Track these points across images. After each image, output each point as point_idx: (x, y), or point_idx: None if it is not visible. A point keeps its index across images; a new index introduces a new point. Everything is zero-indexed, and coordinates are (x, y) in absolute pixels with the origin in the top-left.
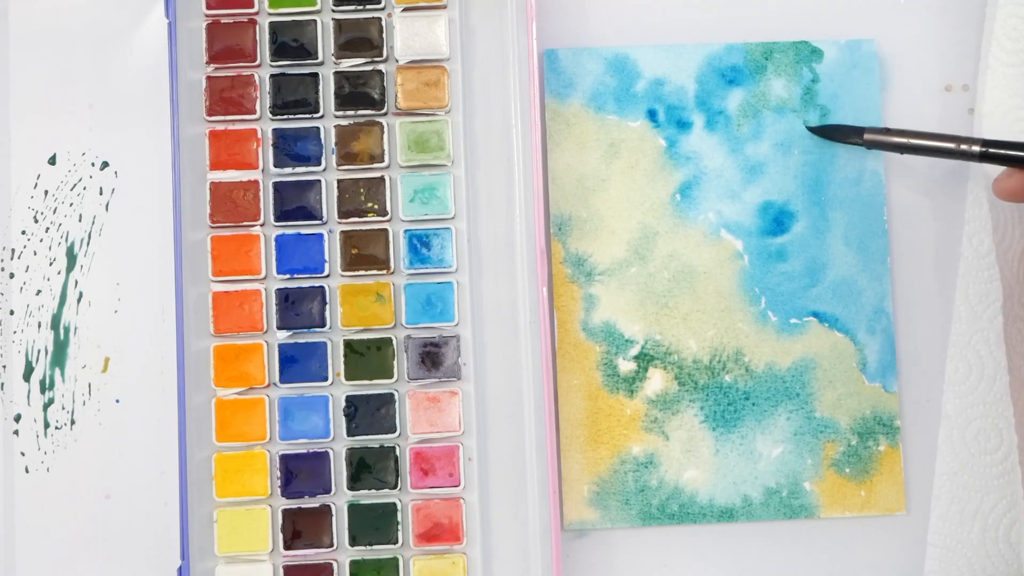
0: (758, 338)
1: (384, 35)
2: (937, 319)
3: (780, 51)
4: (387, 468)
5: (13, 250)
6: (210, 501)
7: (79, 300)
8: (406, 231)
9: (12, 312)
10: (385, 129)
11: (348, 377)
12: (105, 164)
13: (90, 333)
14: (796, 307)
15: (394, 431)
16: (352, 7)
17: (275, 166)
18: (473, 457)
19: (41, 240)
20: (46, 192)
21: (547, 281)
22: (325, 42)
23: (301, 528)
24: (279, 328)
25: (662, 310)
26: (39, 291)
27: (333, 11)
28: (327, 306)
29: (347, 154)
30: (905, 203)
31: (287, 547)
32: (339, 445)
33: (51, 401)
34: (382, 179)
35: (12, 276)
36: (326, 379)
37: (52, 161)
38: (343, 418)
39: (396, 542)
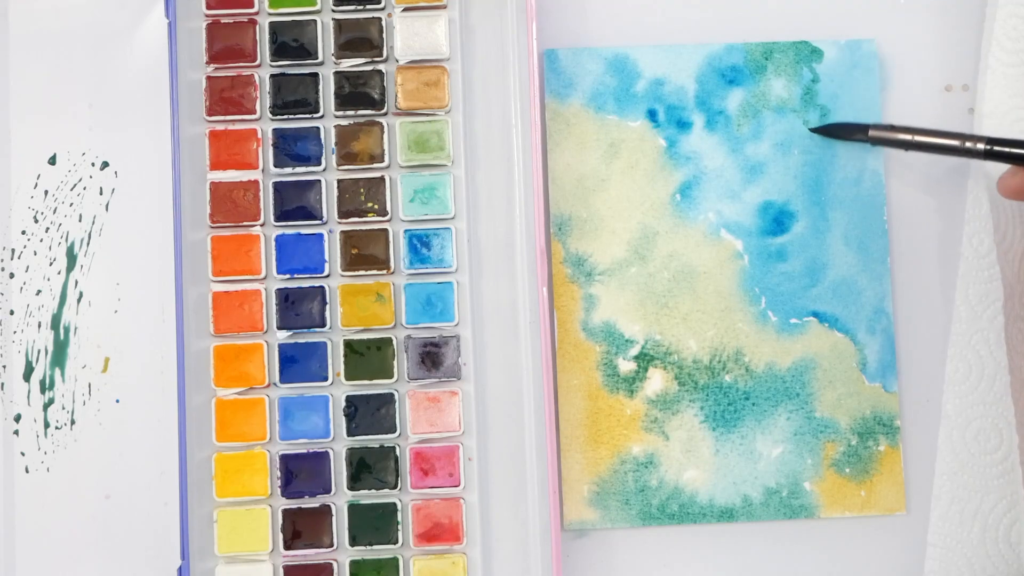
0: (758, 338)
1: (384, 35)
2: (937, 319)
3: (780, 51)
4: (387, 468)
5: (13, 250)
6: (210, 501)
7: (79, 300)
8: (406, 231)
9: (12, 312)
10: (385, 129)
11: (348, 377)
12: (105, 164)
13: (90, 333)
14: (796, 307)
15: (394, 431)
16: (352, 7)
17: (275, 166)
18: (473, 457)
19: (41, 240)
20: (46, 192)
21: (547, 281)
22: (325, 42)
23: (301, 528)
24: (279, 328)
25: (662, 310)
26: (39, 291)
27: (333, 11)
28: (327, 306)
29: (347, 154)
30: (905, 203)
31: (287, 547)
32: (339, 445)
33: (51, 401)
34: (382, 179)
35: (12, 276)
36: (326, 379)
37: (52, 161)
38: (343, 418)
39: (396, 542)
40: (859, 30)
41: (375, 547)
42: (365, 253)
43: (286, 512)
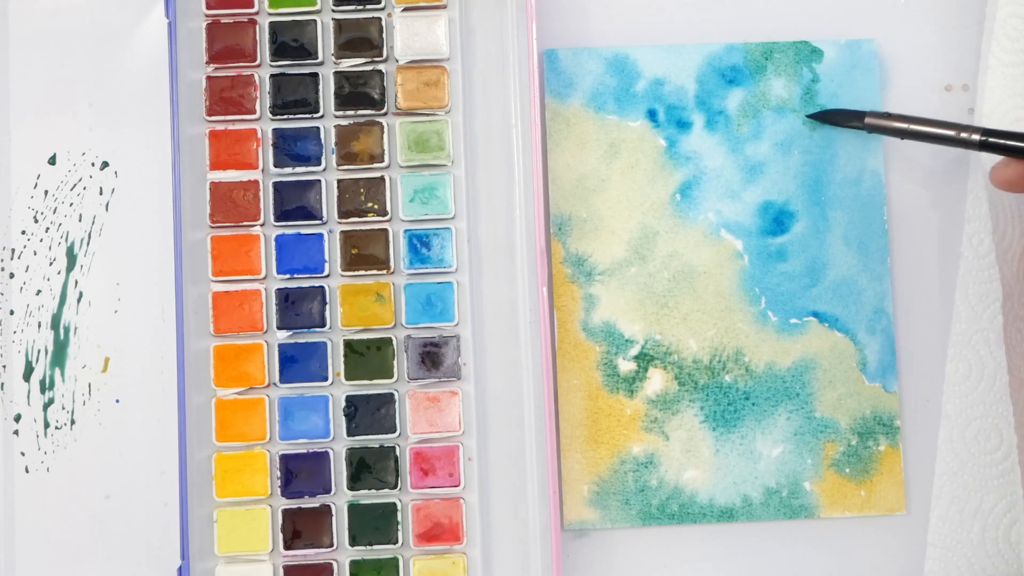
0: (758, 338)
1: (384, 35)
2: (937, 319)
3: (780, 51)
4: (387, 468)
5: (13, 250)
6: (210, 501)
7: (79, 300)
8: (406, 231)
9: (12, 312)
10: (385, 129)
11: (348, 377)
12: (105, 164)
13: (90, 333)
14: (796, 307)
15: (394, 431)
16: (352, 7)
17: (275, 166)
18: (473, 457)
19: (41, 240)
20: (46, 192)
21: (547, 281)
22: (325, 42)
23: (301, 528)
24: (279, 328)
25: (662, 310)
26: (39, 291)
27: (333, 11)
28: (327, 306)
29: (347, 154)
30: (905, 203)
31: (287, 547)
32: (339, 445)
33: (51, 401)
34: (382, 179)
35: (12, 276)
36: (326, 379)
37: (52, 161)
38: (343, 418)
39: (396, 542)
40: (859, 30)
41: (375, 547)
42: (365, 253)
43: (286, 512)
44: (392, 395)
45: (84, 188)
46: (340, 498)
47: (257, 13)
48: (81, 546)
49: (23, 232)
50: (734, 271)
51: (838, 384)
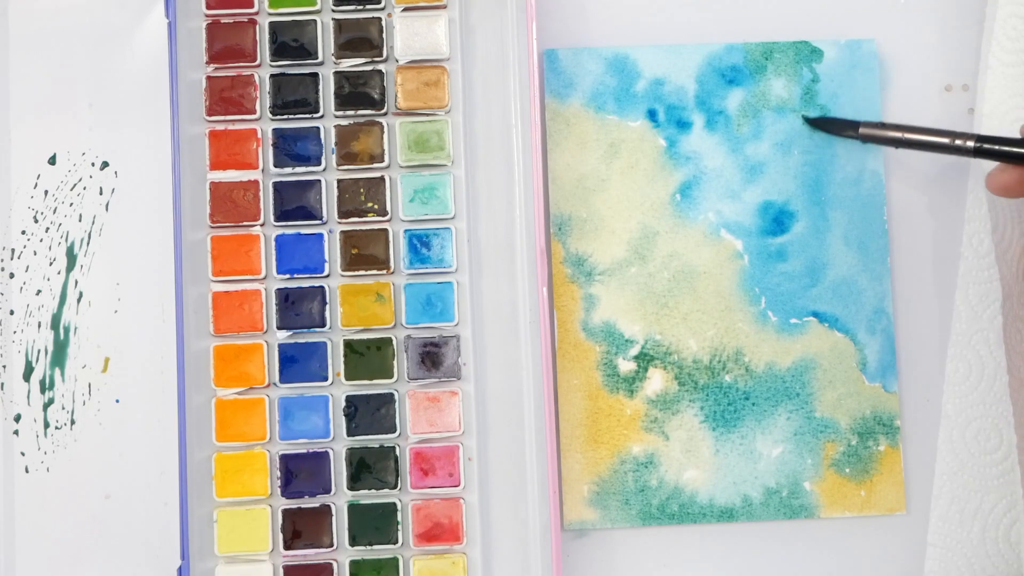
0: (758, 338)
1: (384, 35)
2: (937, 319)
3: (780, 51)
4: (387, 468)
5: (13, 250)
6: (210, 501)
7: (79, 300)
8: (406, 231)
9: (12, 312)
10: (385, 129)
11: (348, 377)
12: (105, 164)
13: (90, 333)
14: (796, 307)
15: (394, 431)
16: (352, 7)
17: (275, 166)
18: (473, 457)
19: (41, 240)
20: (46, 192)
21: (547, 281)
22: (325, 42)
23: (301, 528)
24: (279, 328)
25: (662, 310)
26: (39, 291)
27: (333, 11)
28: (327, 306)
29: (347, 154)
30: (905, 203)
31: (287, 547)
32: (339, 445)
33: (51, 401)
34: (382, 179)
35: (12, 276)
36: (326, 379)
37: (52, 161)
38: (343, 418)
39: (396, 542)
40: (859, 30)
41: (375, 547)
42: (365, 253)
43: (286, 512)
44: (392, 395)
45: (84, 188)
46: (340, 498)
47: (257, 13)
48: (81, 546)
49: (23, 232)
50: (734, 271)
51: (838, 384)
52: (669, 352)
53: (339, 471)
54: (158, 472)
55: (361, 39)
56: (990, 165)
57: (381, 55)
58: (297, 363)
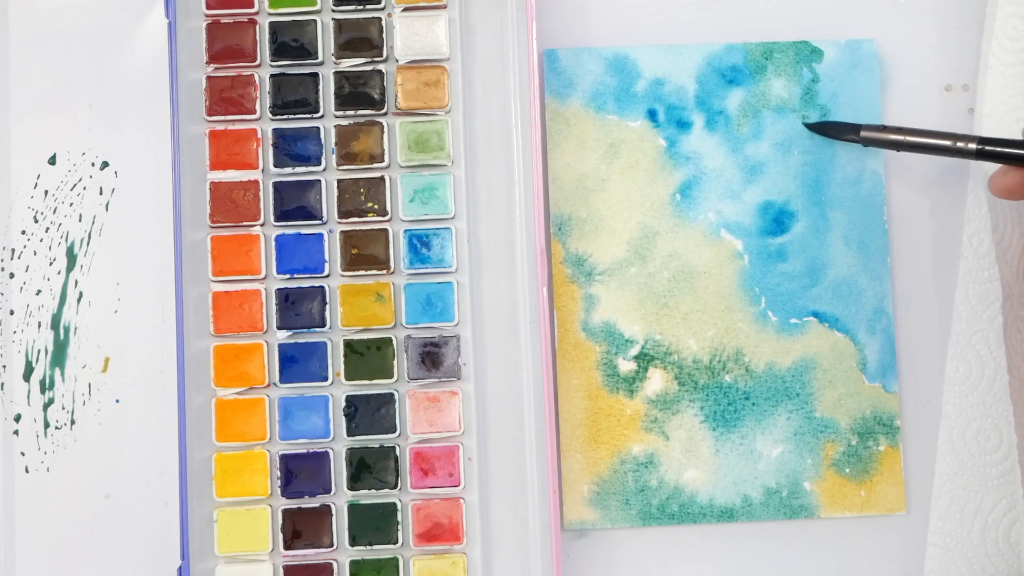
0: (758, 338)
1: (384, 35)
2: (937, 319)
3: (780, 51)
4: (387, 468)
5: (13, 250)
6: (210, 501)
7: (79, 300)
8: (406, 231)
9: (12, 312)
10: (385, 129)
11: (348, 377)
12: (105, 164)
13: (90, 333)
14: (796, 307)
15: (394, 431)
16: (352, 7)
17: (275, 166)
18: (473, 457)
19: (41, 240)
20: (46, 192)
21: (547, 281)
22: (325, 42)
23: (301, 528)
24: (279, 328)
25: (662, 310)
26: (39, 291)
27: (333, 11)
28: (327, 306)
29: (347, 154)
30: (905, 203)
31: (287, 547)
32: (339, 445)
33: (51, 401)
34: (382, 179)
35: (12, 276)
36: (326, 379)
37: (52, 161)
38: (343, 418)
39: (396, 542)
40: (859, 30)
41: (375, 547)
42: (365, 253)
43: (286, 512)
44: (392, 395)
45: (84, 188)
46: (340, 498)
47: (257, 13)
48: (81, 546)
49: (23, 232)
50: (734, 271)
51: (838, 384)
52: (669, 352)
53: (339, 471)
54: (158, 472)
55: (361, 39)
56: (991, 166)
57: (381, 55)
58: (297, 363)
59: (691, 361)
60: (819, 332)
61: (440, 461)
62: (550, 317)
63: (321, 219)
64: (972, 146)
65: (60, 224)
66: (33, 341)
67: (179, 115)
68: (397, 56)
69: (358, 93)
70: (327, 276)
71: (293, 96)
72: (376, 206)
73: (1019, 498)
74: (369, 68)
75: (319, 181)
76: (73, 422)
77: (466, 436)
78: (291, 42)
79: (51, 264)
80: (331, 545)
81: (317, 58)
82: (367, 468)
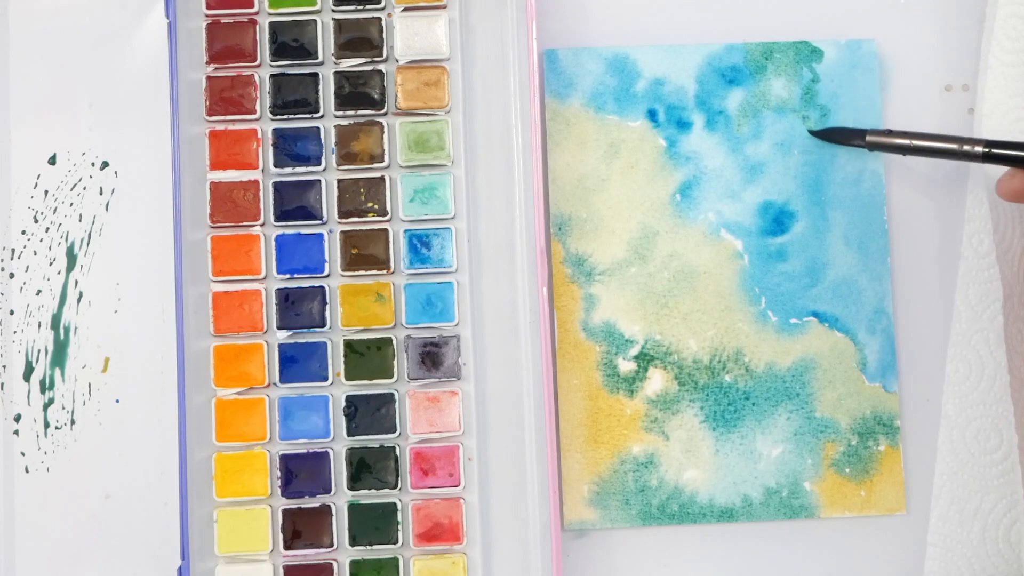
0: (758, 338)
1: (384, 35)
2: (937, 319)
3: (780, 51)
4: (387, 468)
5: (13, 250)
6: (210, 501)
7: (79, 300)
8: (406, 231)
9: (12, 312)
10: (385, 129)
11: (348, 377)
12: (105, 164)
13: (90, 333)
14: (796, 307)
15: (394, 431)
16: (352, 7)
17: (275, 166)
18: (473, 457)
19: (41, 240)
20: (46, 192)
21: (547, 281)
22: (325, 42)
23: (301, 528)
24: (279, 328)
25: (662, 310)
26: (39, 291)
27: (333, 11)
28: (327, 306)
29: (347, 154)
30: (905, 203)
31: (287, 547)
32: (339, 445)
33: (51, 401)
34: (382, 179)
35: (12, 276)
36: (326, 379)
37: (52, 161)
38: (343, 418)
39: (396, 542)
40: (859, 30)
41: (375, 547)
42: (365, 253)
43: (286, 512)
44: (392, 395)
45: (84, 188)
46: (340, 498)
47: (257, 13)
48: (81, 546)
49: (23, 232)
50: (734, 271)
51: (838, 384)
52: (669, 352)
53: (339, 471)
54: (158, 472)
55: (361, 39)
56: (993, 168)
57: (381, 55)
58: (297, 363)
59: (691, 361)
60: (819, 332)
61: (440, 461)
62: (550, 317)
63: (321, 219)
64: (979, 149)
65: (60, 224)
66: (33, 341)
67: (179, 115)
68: (397, 56)
69: (358, 93)
70: (327, 276)
71: (293, 96)
72: (376, 206)
73: (1019, 498)
74: (369, 68)
75: (319, 181)
76: (73, 422)
77: (466, 436)
78: (291, 42)
79: (51, 264)
80: (331, 545)
81: (317, 58)
82: (367, 468)
